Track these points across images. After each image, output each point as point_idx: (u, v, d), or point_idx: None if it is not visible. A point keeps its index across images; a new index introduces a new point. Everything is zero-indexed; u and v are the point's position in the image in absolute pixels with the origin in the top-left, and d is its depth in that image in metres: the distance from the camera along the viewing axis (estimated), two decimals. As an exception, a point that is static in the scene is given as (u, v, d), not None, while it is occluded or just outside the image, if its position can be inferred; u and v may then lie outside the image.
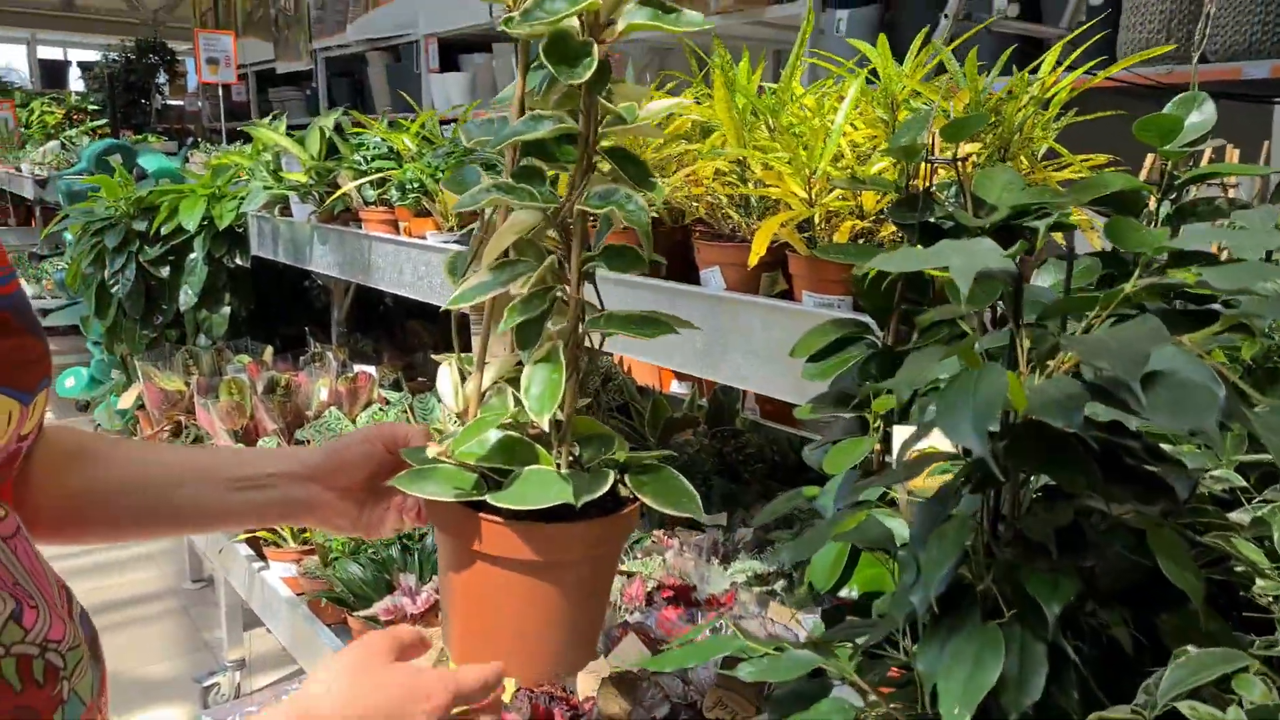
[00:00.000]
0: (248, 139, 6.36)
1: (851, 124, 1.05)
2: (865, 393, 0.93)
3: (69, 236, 2.82)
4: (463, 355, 0.83)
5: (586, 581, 0.75)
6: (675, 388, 2.31)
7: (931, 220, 0.85)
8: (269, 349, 2.26)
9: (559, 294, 0.72)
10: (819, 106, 1.08)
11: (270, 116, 2.30)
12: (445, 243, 1.63)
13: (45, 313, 3.92)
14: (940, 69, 1.10)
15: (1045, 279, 0.84)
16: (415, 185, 1.64)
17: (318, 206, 1.97)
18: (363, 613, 1.33)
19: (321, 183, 1.93)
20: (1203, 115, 0.90)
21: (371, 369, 2.12)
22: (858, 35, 3.40)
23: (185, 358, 2.16)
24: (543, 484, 0.69)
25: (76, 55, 10.66)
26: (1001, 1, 2.94)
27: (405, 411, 1.92)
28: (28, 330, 0.60)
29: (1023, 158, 1.05)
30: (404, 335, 2.40)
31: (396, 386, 2.12)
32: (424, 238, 1.69)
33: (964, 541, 0.52)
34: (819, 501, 0.92)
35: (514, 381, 0.75)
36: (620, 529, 0.77)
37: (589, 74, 0.65)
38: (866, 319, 0.92)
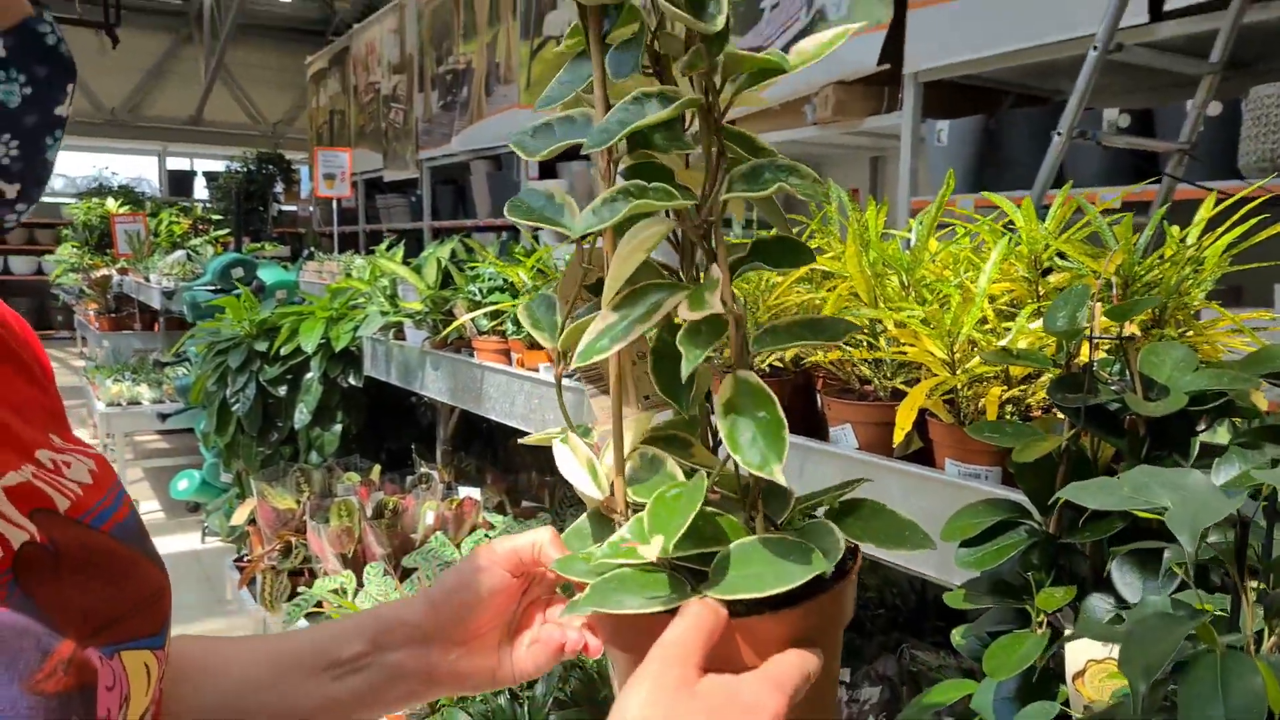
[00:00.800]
0: (357, 246, 6.65)
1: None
2: (1016, 576, 0.86)
3: (192, 349, 2.95)
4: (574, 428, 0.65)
5: (832, 672, 0.58)
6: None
7: (1097, 403, 0.80)
8: (376, 467, 2.29)
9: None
10: (954, 260, 1.05)
11: (387, 244, 2.39)
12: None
13: (164, 416, 4.10)
14: (1078, 211, 1.05)
15: (1223, 474, 0.77)
16: (530, 319, 1.66)
17: (431, 333, 2.01)
18: (475, 770, 1.29)
19: (436, 310, 1.97)
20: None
21: (475, 492, 2.12)
22: (958, 147, 3.37)
23: (298, 476, 2.21)
24: (766, 560, 0.51)
25: (202, 165, 11.46)
26: (1113, 114, 2.89)
27: (511, 539, 1.90)
28: (145, 555, 0.54)
29: (1178, 317, 0.99)
30: (507, 455, 2.41)
31: (500, 510, 2.11)
32: (536, 370, 1.70)
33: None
34: (976, 701, 0.85)
35: (664, 442, 0.59)
36: (851, 593, 0.58)
37: (721, 20, 0.49)
38: (1023, 500, 0.86)
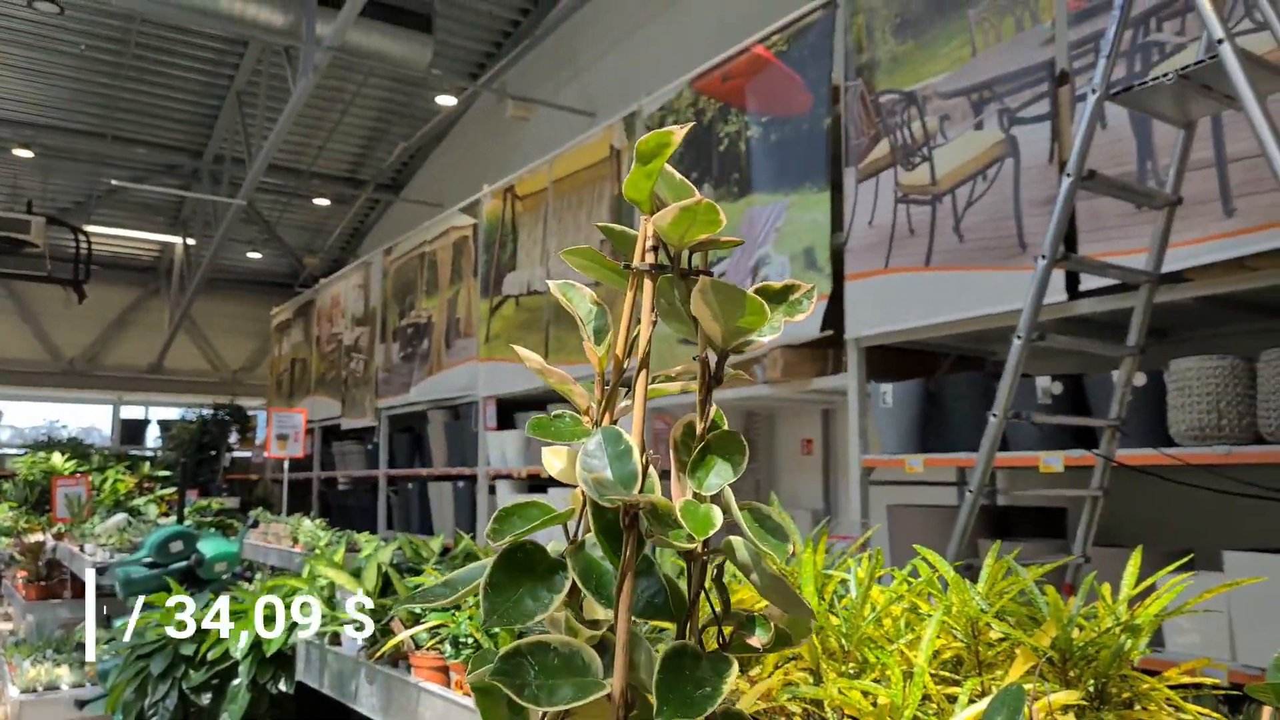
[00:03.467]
0: (311, 495, 6.49)
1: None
2: None
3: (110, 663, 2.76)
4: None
5: None
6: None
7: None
8: (305, 788, 2.09)
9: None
10: (894, 626, 1.01)
11: (326, 541, 2.32)
12: (498, 707, 1.52)
13: (82, 703, 3.80)
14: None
15: None
16: (469, 640, 1.58)
17: (369, 642, 1.91)
18: None
19: (374, 619, 1.88)
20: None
21: (412, 819, 1.93)
22: (902, 409, 3.44)
23: (215, 803, 2.00)
24: None
25: (157, 413, 11.42)
26: (1045, 381, 3.00)
27: None
28: None
29: (1117, 691, 0.94)
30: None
31: (438, 839, 1.91)
32: (476, 695, 1.59)
33: None
34: None
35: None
36: None
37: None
38: None
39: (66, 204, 9.72)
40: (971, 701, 0.90)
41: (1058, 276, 2.72)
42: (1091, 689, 0.87)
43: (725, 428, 0.63)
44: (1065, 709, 0.82)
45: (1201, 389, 2.57)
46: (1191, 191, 2.41)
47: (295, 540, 4.23)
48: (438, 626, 1.68)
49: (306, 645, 2.14)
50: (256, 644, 2.15)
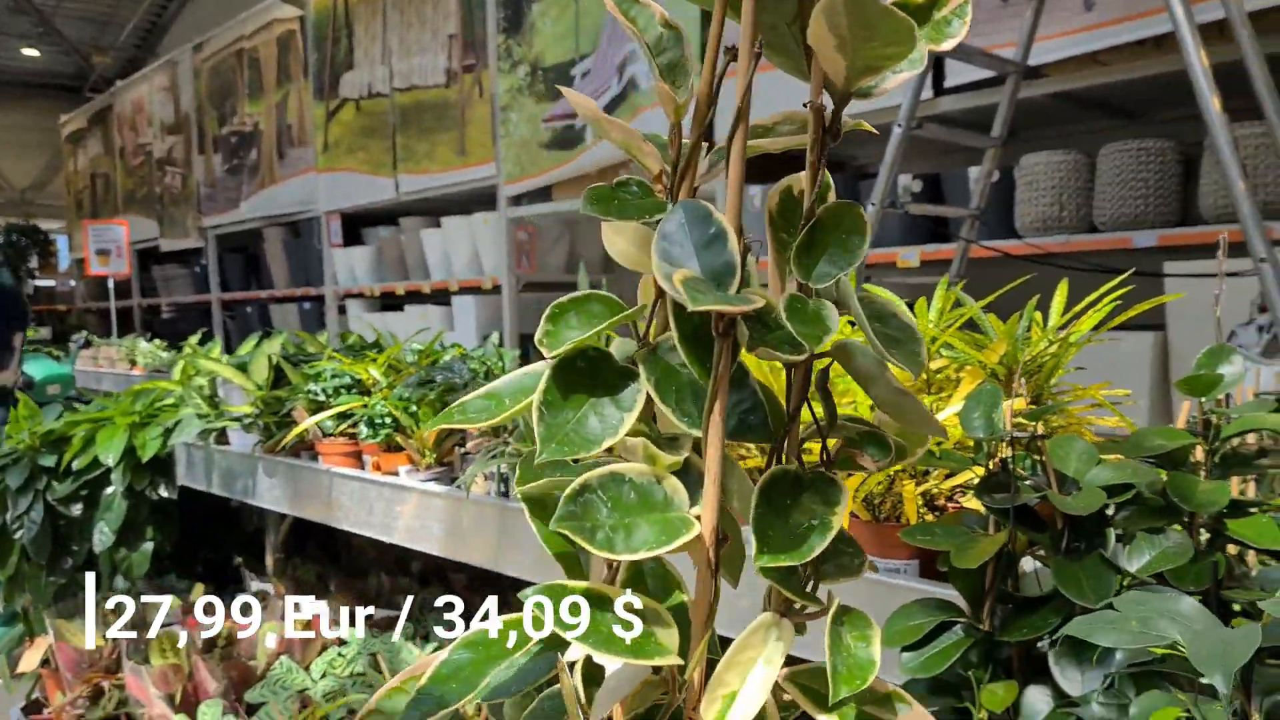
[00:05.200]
0: (133, 324, 6.05)
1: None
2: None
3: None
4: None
5: None
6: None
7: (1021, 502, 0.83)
8: (199, 587, 2.05)
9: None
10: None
11: (199, 336, 2.17)
12: (424, 481, 1.52)
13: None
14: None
15: (1136, 562, 0.82)
16: (387, 420, 1.55)
17: (264, 437, 1.84)
18: None
19: (269, 413, 1.81)
20: (1232, 368, 0.93)
21: (322, 606, 1.94)
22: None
23: (104, 608, 1.93)
24: None
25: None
26: (906, 179, 3.14)
27: (370, 658, 1.75)
28: None
29: (1050, 398, 1.05)
30: (351, 557, 2.23)
31: (352, 620, 1.94)
32: (396, 474, 1.59)
33: None
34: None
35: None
36: None
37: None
38: (953, 596, 0.88)
39: None
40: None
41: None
42: (1031, 396, 0.96)
43: (836, 197, 0.49)
44: (1014, 413, 0.90)
45: (1047, 183, 2.75)
46: (1059, -16, 2.48)
47: (133, 363, 3.96)
48: (346, 412, 1.64)
49: (188, 448, 2.04)
50: (131, 450, 2.03)
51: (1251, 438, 0.98)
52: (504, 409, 0.50)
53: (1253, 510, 0.88)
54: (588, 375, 0.47)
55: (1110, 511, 0.85)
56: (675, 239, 0.46)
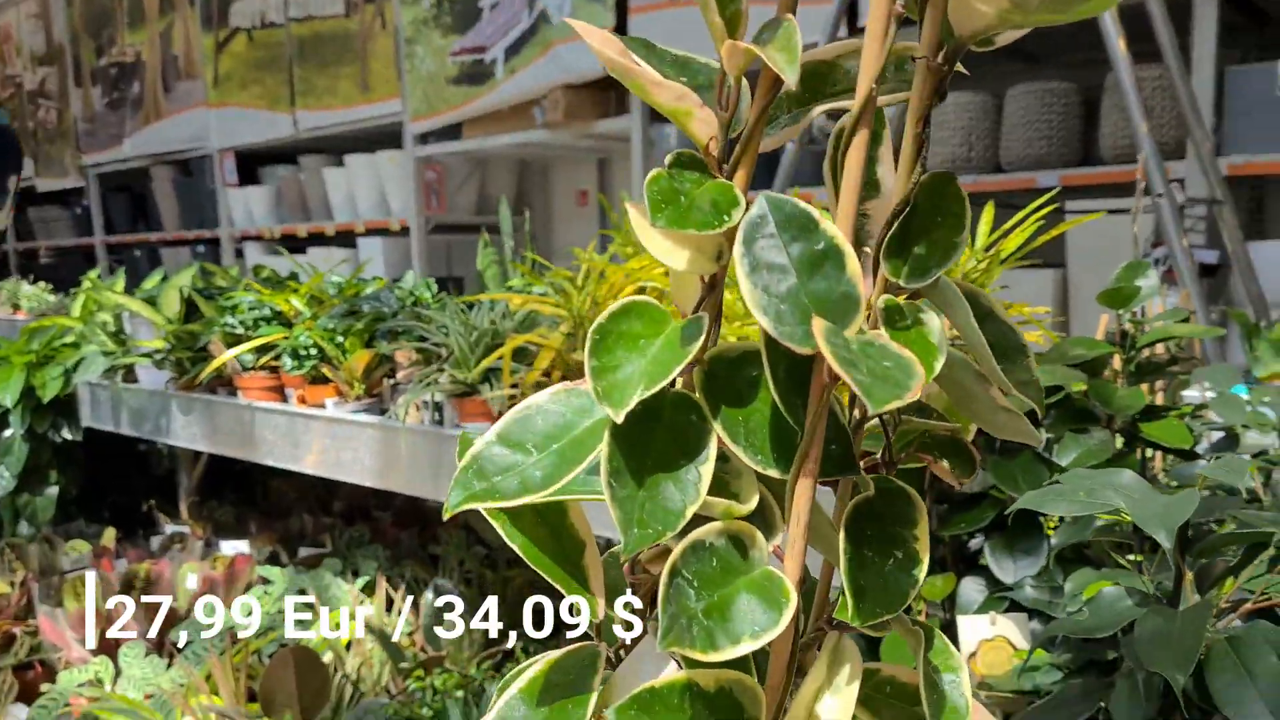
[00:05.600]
0: (6, 268, 5.67)
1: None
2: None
3: None
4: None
5: None
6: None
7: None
8: (109, 531, 1.98)
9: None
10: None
11: (97, 273, 2.06)
12: (353, 413, 1.50)
13: None
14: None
15: (1065, 457, 0.87)
16: (312, 351, 1.51)
17: (176, 373, 1.77)
18: None
19: (181, 348, 1.74)
20: (1148, 281, 0.99)
21: (243, 545, 1.90)
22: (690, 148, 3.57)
23: (8, 554, 1.85)
24: None
25: None
26: (821, 120, 3.18)
27: (297, 594, 1.73)
28: None
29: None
30: (269, 498, 2.18)
31: (275, 561, 1.91)
32: (323, 406, 1.55)
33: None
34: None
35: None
36: None
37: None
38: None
39: None
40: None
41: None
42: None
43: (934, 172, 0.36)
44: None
45: (957, 124, 2.83)
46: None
47: (15, 307, 3.74)
48: (268, 345, 1.59)
49: (92, 387, 1.95)
50: (30, 391, 1.93)
51: (1160, 348, 1.05)
52: (529, 457, 0.37)
53: (1165, 414, 0.95)
54: (648, 420, 0.36)
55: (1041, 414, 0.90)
56: (769, 254, 0.34)
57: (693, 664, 0.36)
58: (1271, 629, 0.48)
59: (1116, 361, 1.00)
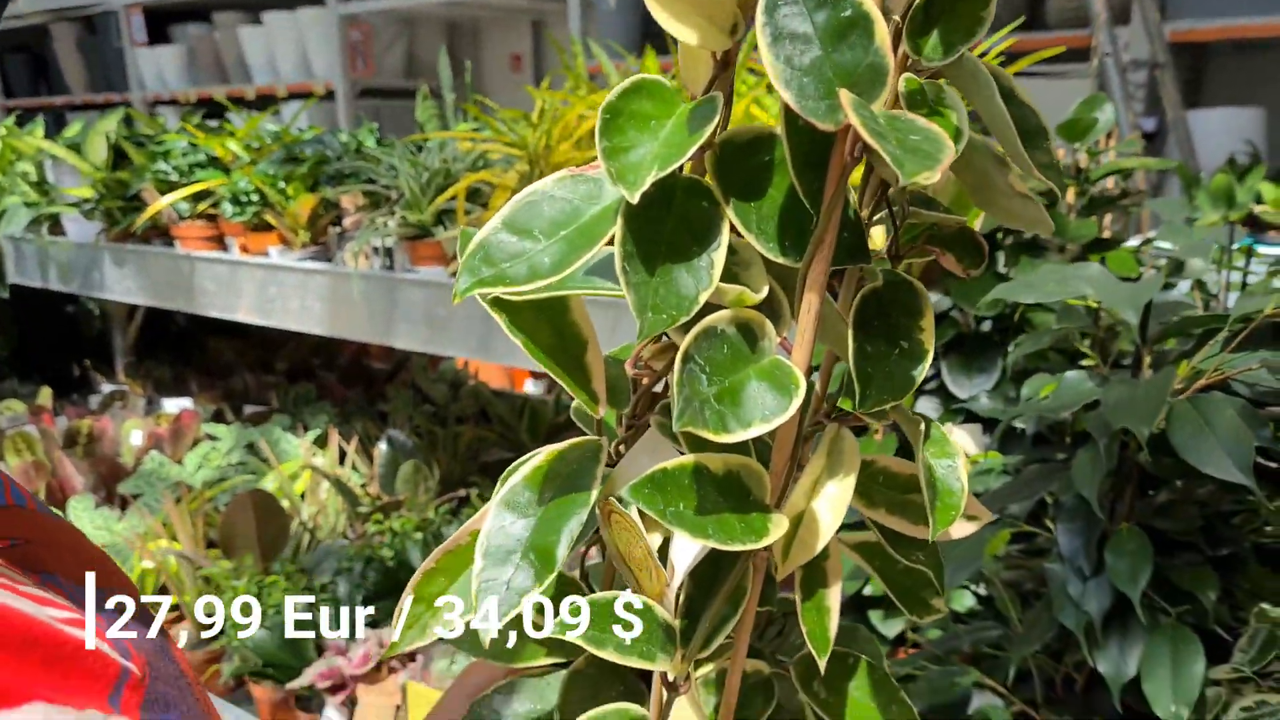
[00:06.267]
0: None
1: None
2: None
3: None
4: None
5: None
6: (530, 388, 2.24)
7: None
8: (46, 390, 1.93)
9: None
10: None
11: (14, 119, 1.94)
12: (299, 260, 1.46)
13: None
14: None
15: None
16: (254, 197, 1.46)
17: (108, 223, 1.69)
18: (293, 684, 1.19)
19: (112, 196, 1.66)
20: (1105, 115, 1.02)
21: (187, 402, 1.88)
22: (629, 9, 3.44)
23: (-63, 415, 1.79)
24: None
25: None
26: None
27: (246, 449, 1.72)
28: None
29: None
30: (209, 357, 2.13)
31: (220, 419, 1.89)
32: (266, 254, 1.51)
33: (1149, 555, 0.56)
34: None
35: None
36: None
37: None
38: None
39: None
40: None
41: None
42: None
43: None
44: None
45: None
46: None
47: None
48: (205, 191, 1.53)
49: (16, 242, 1.86)
50: (-56, 246, 1.83)
51: (1111, 182, 1.09)
52: (536, 244, 0.37)
53: (1114, 246, 0.99)
54: (661, 205, 0.36)
55: (1000, 237, 0.93)
56: (792, 23, 0.32)
57: (699, 450, 0.36)
58: (1228, 396, 0.52)
59: (1070, 195, 1.03)
